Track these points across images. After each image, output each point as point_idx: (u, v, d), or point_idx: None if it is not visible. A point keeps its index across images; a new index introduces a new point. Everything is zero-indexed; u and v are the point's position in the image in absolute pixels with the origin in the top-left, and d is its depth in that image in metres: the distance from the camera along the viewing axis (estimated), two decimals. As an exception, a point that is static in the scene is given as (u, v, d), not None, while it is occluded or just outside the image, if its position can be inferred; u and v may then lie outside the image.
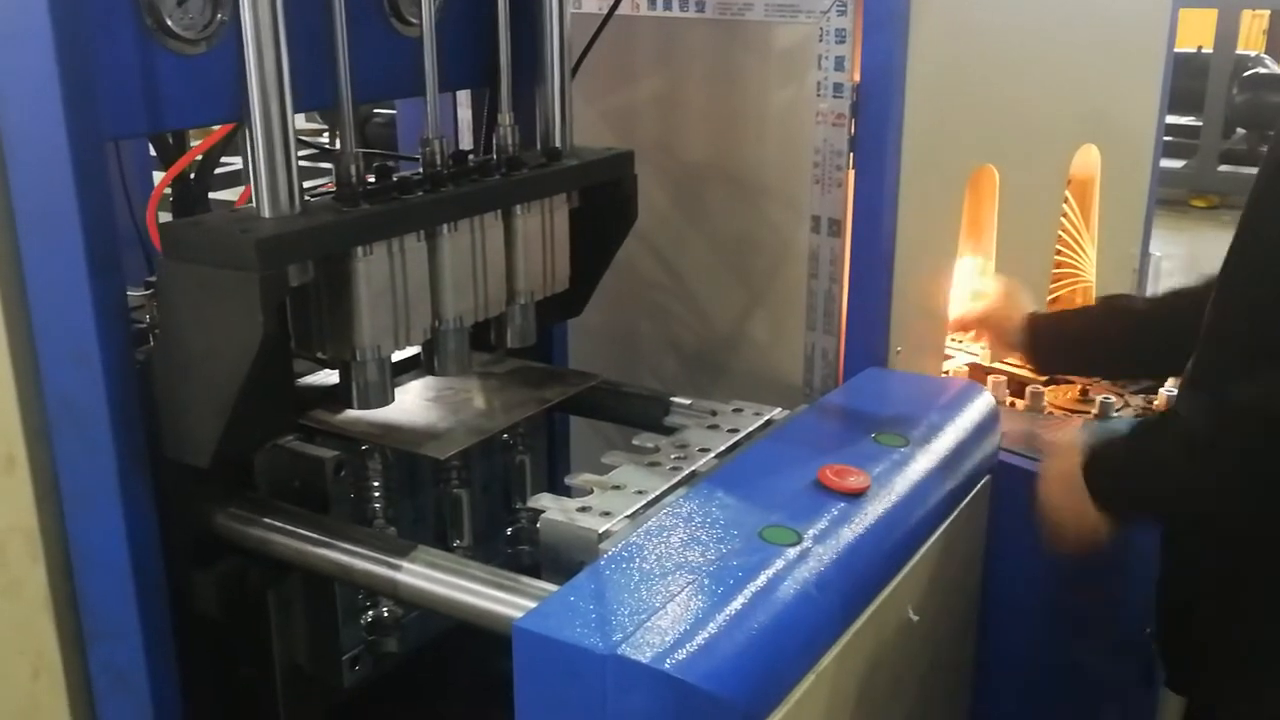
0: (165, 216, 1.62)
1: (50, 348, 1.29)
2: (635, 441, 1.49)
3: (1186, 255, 5.63)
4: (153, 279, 1.78)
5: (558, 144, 1.63)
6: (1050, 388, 2.10)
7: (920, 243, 1.87)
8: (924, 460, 1.45)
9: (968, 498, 1.53)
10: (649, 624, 1.09)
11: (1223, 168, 7.29)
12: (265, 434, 1.44)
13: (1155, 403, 2.03)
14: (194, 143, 1.67)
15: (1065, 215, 2.31)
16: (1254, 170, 1.41)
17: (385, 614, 1.53)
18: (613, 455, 1.46)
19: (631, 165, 1.67)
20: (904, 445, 1.46)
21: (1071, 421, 1.98)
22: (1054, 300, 2.30)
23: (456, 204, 1.42)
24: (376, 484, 1.53)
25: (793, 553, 1.22)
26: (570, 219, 1.61)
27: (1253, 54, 7.75)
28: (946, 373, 2.07)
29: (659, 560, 1.20)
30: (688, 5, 1.94)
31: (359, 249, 1.31)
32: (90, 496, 1.32)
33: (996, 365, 2.18)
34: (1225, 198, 7.31)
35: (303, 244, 1.26)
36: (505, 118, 1.54)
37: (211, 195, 1.69)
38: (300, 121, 1.33)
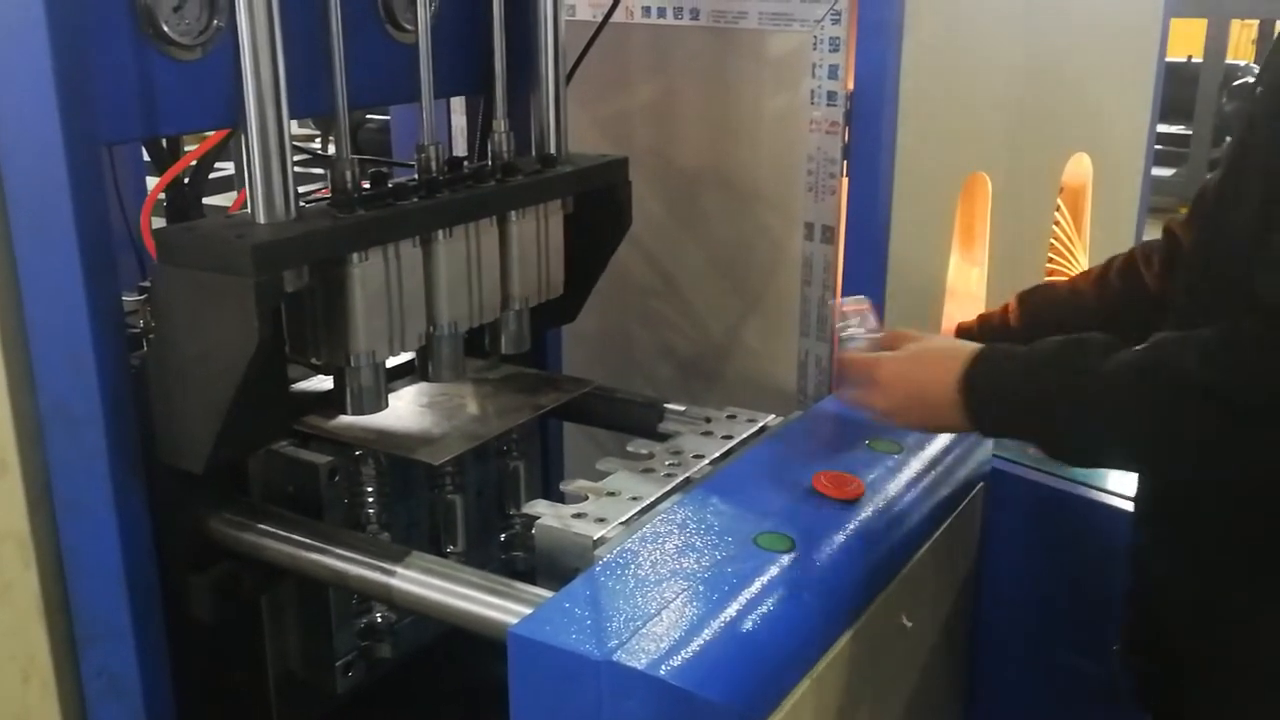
0: (158, 221, 1.62)
1: (44, 352, 1.29)
2: (630, 448, 1.49)
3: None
4: (146, 284, 1.78)
5: (552, 150, 1.63)
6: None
7: (913, 250, 1.87)
8: (917, 467, 1.46)
9: (961, 504, 1.53)
10: (644, 630, 1.09)
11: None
12: (260, 439, 1.43)
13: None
14: (188, 148, 1.68)
15: (1057, 223, 2.32)
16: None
17: (379, 619, 1.53)
18: (607, 462, 1.46)
19: (626, 172, 1.67)
20: (898, 452, 1.46)
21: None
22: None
23: (452, 210, 1.42)
24: (370, 489, 1.53)
25: (787, 559, 1.22)
26: (565, 225, 1.61)
27: (1242, 63, 7.80)
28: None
29: (654, 567, 1.20)
30: (682, 13, 1.94)
31: (354, 255, 1.32)
32: (83, 501, 1.32)
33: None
34: (1215, 206, 7.32)
35: (298, 250, 1.26)
36: (500, 124, 1.55)
37: (204, 200, 1.70)
38: (293, 127, 1.33)
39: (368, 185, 1.39)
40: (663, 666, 1.04)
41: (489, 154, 1.55)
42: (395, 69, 1.54)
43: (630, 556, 1.22)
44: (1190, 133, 7.43)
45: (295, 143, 1.36)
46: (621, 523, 1.30)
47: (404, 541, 1.56)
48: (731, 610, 1.13)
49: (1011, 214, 2.12)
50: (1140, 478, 1.43)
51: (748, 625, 1.13)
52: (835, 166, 1.83)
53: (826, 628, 1.23)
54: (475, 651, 1.44)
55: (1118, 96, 2.42)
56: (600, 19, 1.82)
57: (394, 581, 1.30)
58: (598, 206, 1.66)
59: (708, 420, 1.60)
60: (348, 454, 1.50)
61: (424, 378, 1.53)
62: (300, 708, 1.54)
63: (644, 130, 2.05)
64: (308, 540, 1.38)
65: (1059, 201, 2.31)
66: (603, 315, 1.97)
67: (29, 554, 1.36)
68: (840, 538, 1.28)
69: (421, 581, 1.29)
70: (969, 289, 2.17)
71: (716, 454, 1.48)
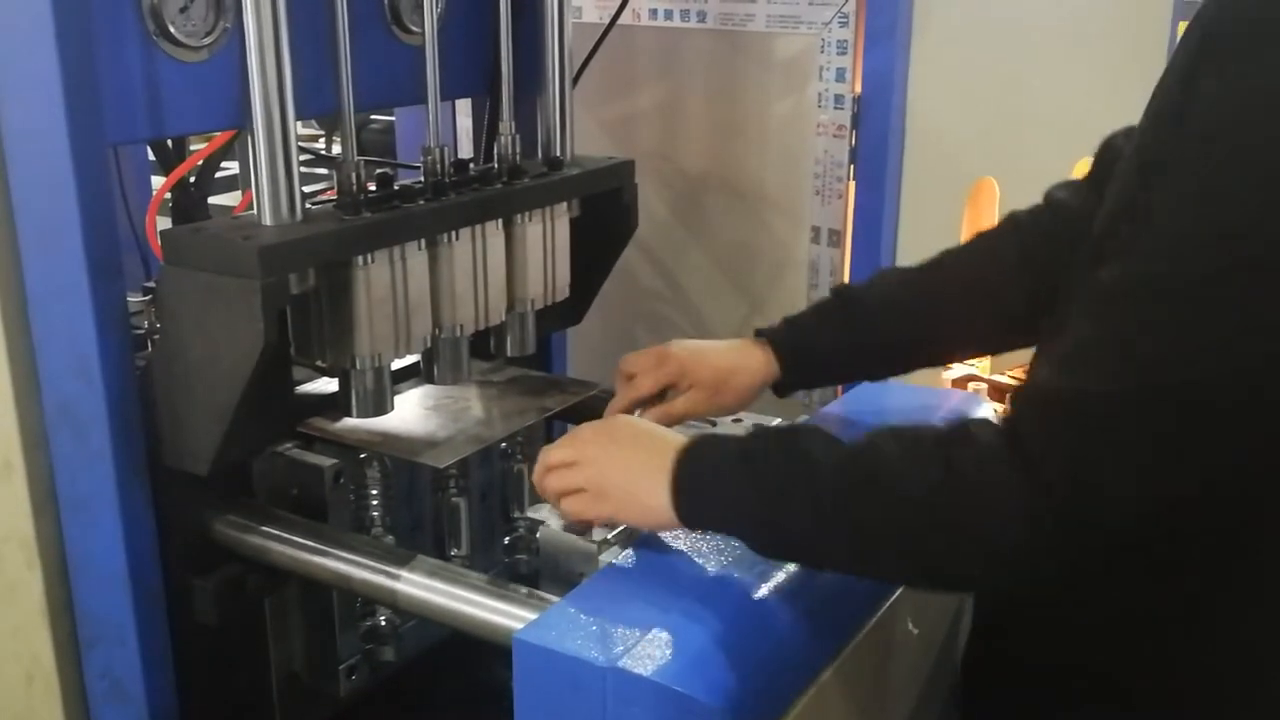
0: (163, 222, 1.62)
1: (50, 353, 1.29)
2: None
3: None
4: (151, 285, 1.78)
5: (559, 153, 1.63)
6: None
7: (919, 254, 1.87)
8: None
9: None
10: (649, 636, 1.08)
11: (1217, 180, 7.32)
12: (264, 441, 1.43)
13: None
14: (194, 148, 1.67)
15: (1064, 227, 2.32)
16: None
17: (382, 623, 1.52)
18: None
19: (632, 175, 1.67)
20: None
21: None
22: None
23: (458, 213, 1.41)
24: (375, 492, 1.53)
25: (794, 565, 1.21)
26: (570, 228, 1.61)
27: (1248, 67, 7.78)
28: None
29: (659, 572, 1.19)
30: (689, 16, 1.94)
31: (360, 257, 1.31)
32: (88, 503, 1.31)
33: (995, 378, 2.18)
34: (1220, 210, 7.32)
35: (304, 252, 1.26)
36: (506, 126, 1.55)
37: (209, 200, 1.69)
38: (298, 127, 1.33)
39: (373, 187, 1.38)
40: (668, 673, 1.04)
41: (495, 156, 1.54)
42: (401, 71, 1.53)
43: (635, 562, 1.21)
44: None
45: (300, 143, 1.37)
46: (626, 528, 1.30)
47: (408, 544, 1.56)
48: (737, 617, 1.13)
49: (1018, 218, 2.11)
50: None
51: (753, 632, 1.13)
52: (842, 170, 1.83)
53: (833, 634, 1.22)
54: (479, 655, 1.44)
55: (1125, 100, 2.41)
56: (607, 21, 1.81)
57: (399, 585, 1.30)
58: (604, 209, 1.65)
59: (713, 424, 1.59)
60: (352, 457, 1.50)
61: (429, 380, 1.53)
62: (304, 711, 1.53)
63: (650, 133, 2.05)
64: (312, 543, 1.37)
65: (1066, 206, 2.31)
66: (608, 318, 1.97)
67: (33, 555, 1.36)
68: (846, 544, 1.27)
69: (426, 585, 1.29)
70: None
71: (722, 458, 1.48)
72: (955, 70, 1.86)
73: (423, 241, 1.38)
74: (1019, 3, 1.99)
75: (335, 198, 1.38)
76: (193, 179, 1.62)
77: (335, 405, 1.46)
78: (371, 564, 1.33)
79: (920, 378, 1.90)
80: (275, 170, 1.27)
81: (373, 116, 3.83)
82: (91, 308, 1.23)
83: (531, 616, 1.16)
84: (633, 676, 1.04)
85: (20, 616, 1.39)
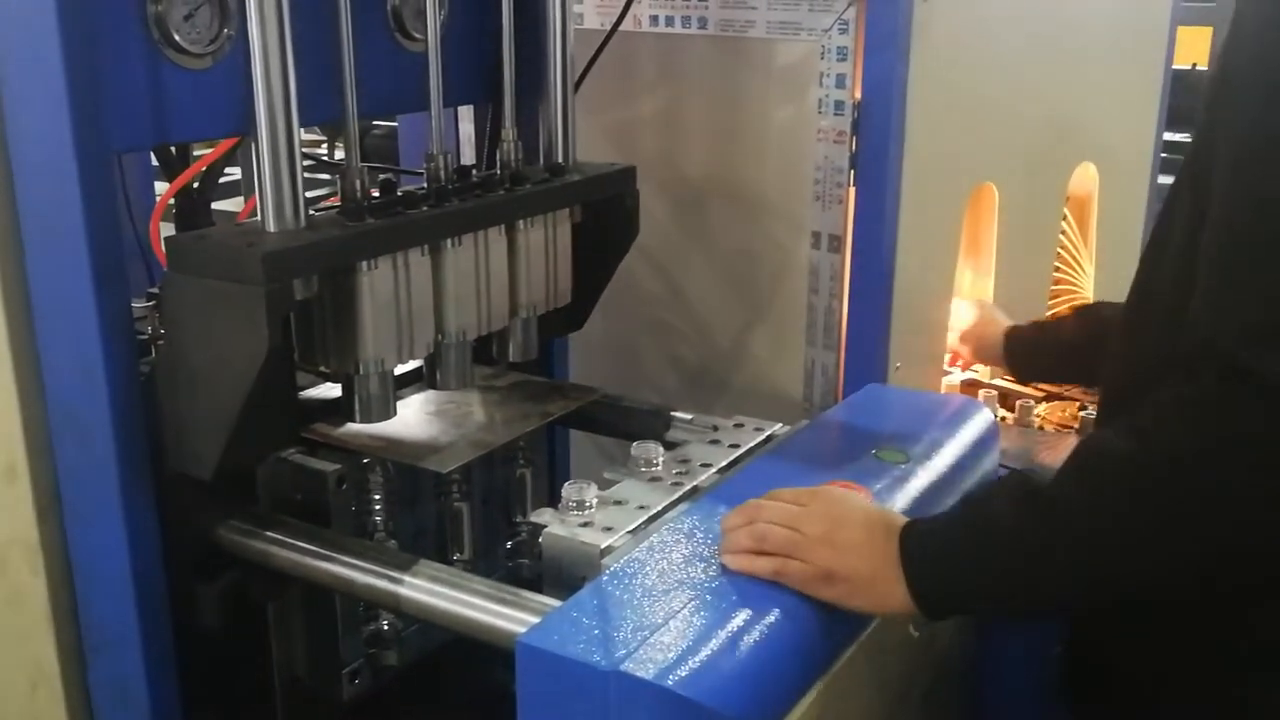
0: (167, 228, 1.62)
1: (54, 359, 1.29)
2: (634, 450, 1.48)
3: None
4: (155, 290, 1.79)
5: (561, 159, 1.64)
6: (1047, 404, 2.11)
7: (920, 259, 1.88)
8: (924, 476, 1.46)
9: (967, 514, 1.53)
10: (652, 640, 1.09)
11: (1217, 184, 7.32)
12: (268, 447, 1.44)
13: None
14: (197, 154, 1.68)
15: (1064, 233, 2.32)
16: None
17: (385, 627, 1.53)
18: (614, 471, 1.46)
19: (634, 181, 1.68)
20: (904, 461, 1.46)
21: (1068, 439, 1.98)
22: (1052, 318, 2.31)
23: (461, 219, 1.42)
24: (378, 497, 1.53)
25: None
26: (572, 233, 1.61)
27: (1247, 72, 7.78)
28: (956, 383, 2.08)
29: (662, 576, 1.20)
30: (689, 22, 1.95)
31: (363, 263, 1.32)
32: (92, 509, 1.32)
33: (995, 382, 2.19)
34: (1219, 214, 7.31)
35: (308, 258, 1.26)
36: (508, 133, 1.55)
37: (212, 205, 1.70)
38: (301, 134, 1.33)
39: (376, 193, 1.39)
40: (670, 677, 1.04)
41: (497, 163, 1.55)
42: (404, 78, 1.54)
43: (638, 566, 1.22)
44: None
45: (302, 149, 1.37)
46: (629, 531, 1.30)
47: (410, 549, 1.56)
48: (739, 620, 1.13)
49: (1018, 224, 2.12)
50: None
51: (756, 635, 1.13)
52: (842, 176, 1.83)
53: (834, 638, 1.22)
54: (481, 659, 1.44)
55: (1125, 106, 2.42)
56: (608, 28, 1.82)
57: (402, 590, 1.30)
58: (605, 215, 1.66)
59: (715, 429, 1.60)
60: (355, 462, 1.50)
61: (431, 385, 1.54)
62: (307, 715, 1.54)
63: (651, 139, 2.06)
64: (315, 548, 1.38)
65: (1066, 211, 2.31)
66: (610, 323, 1.98)
67: (37, 561, 1.36)
68: (848, 548, 1.28)
69: (429, 590, 1.29)
70: (976, 299, 2.17)
71: (724, 463, 1.48)
72: (955, 76, 1.86)
73: (426, 247, 1.39)
74: (1019, 9, 2.00)
75: (339, 204, 1.39)
76: (196, 184, 1.62)
77: (339, 410, 1.47)
78: (375, 569, 1.33)
79: (920, 383, 1.91)
80: (279, 177, 1.27)
81: (375, 122, 3.83)
82: (96, 314, 1.23)
83: (534, 620, 1.16)
84: (636, 680, 1.04)
85: (25, 622, 1.39)
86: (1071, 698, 1.39)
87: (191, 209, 1.61)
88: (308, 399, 1.54)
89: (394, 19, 1.55)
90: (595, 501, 1.34)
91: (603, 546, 1.27)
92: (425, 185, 1.44)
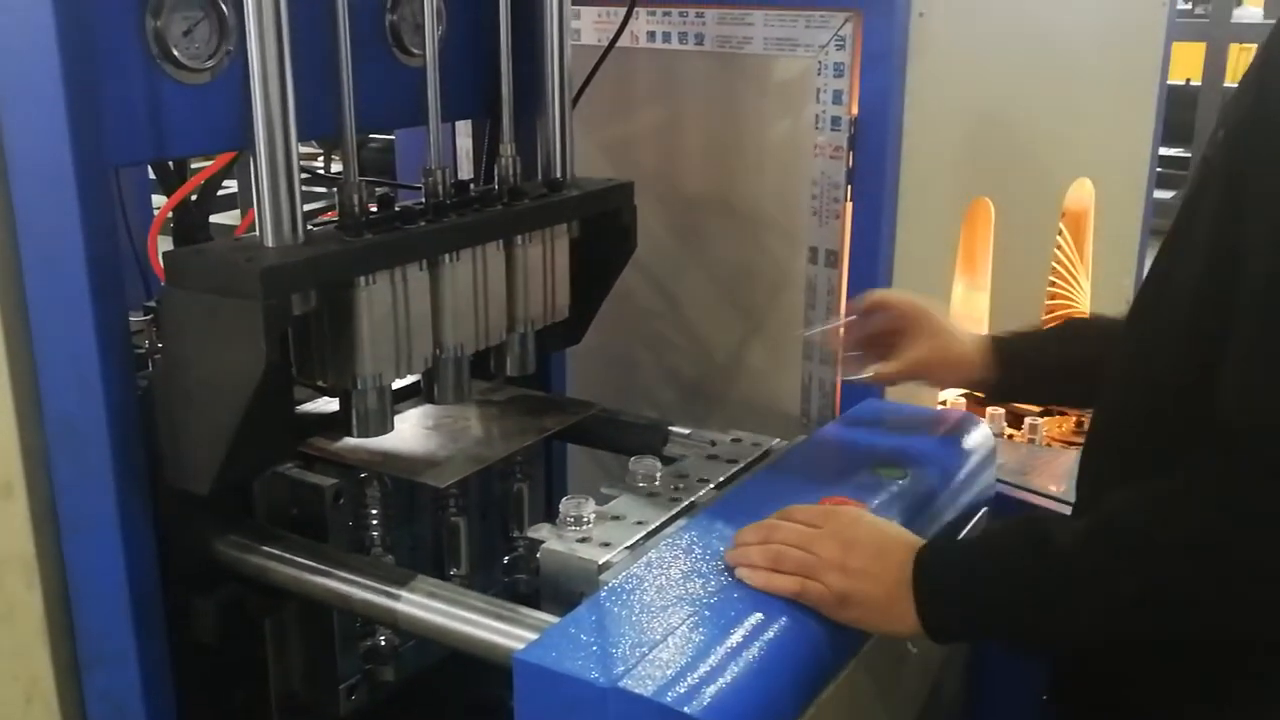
0: (164, 241, 1.62)
1: (51, 373, 1.29)
2: (631, 464, 1.48)
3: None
4: (152, 304, 1.78)
5: (559, 175, 1.64)
6: (1045, 419, 2.11)
7: (916, 274, 1.88)
8: (922, 492, 1.46)
9: (965, 530, 1.53)
10: (650, 656, 1.09)
11: (1211, 199, 7.34)
12: (266, 461, 1.43)
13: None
14: (195, 167, 1.68)
15: (1059, 247, 2.33)
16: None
17: (382, 642, 1.52)
18: (612, 486, 1.46)
19: (631, 196, 1.68)
20: (902, 477, 1.46)
21: (1067, 454, 1.99)
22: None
23: (459, 234, 1.42)
24: (375, 512, 1.53)
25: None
26: (570, 248, 1.61)
27: (1241, 87, 7.81)
28: (943, 403, 2.08)
29: (660, 592, 1.20)
30: (687, 38, 1.95)
31: (361, 278, 1.32)
32: (89, 523, 1.31)
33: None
34: (1214, 229, 7.33)
35: (306, 273, 1.26)
36: (506, 148, 1.55)
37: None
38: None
39: (373, 208, 1.39)
40: (669, 693, 1.04)
41: (495, 178, 1.55)
42: (402, 92, 1.54)
43: (636, 582, 1.22)
44: (1189, 155, 7.45)
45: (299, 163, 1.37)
46: (627, 547, 1.30)
47: (407, 564, 1.56)
48: (737, 637, 1.13)
49: (1014, 239, 2.13)
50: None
51: (754, 652, 1.13)
52: (839, 191, 1.84)
53: (832, 654, 1.22)
54: (478, 675, 1.44)
55: (1120, 121, 2.43)
56: (606, 44, 1.82)
57: (399, 605, 1.30)
58: (603, 230, 1.66)
59: (712, 444, 1.60)
60: (352, 476, 1.50)
61: (429, 400, 1.53)
62: (303, 731, 1.53)
63: (648, 155, 2.06)
64: (312, 563, 1.37)
65: (1061, 226, 2.32)
66: (607, 338, 1.97)
67: (33, 575, 1.36)
68: (846, 563, 1.28)
69: (426, 605, 1.29)
70: (971, 314, 2.18)
71: (721, 478, 1.48)
72: (951, 92, 1.87)
73: (424, 262, 1.39)
74: (1015, 26, 2.01)
75: (336, 218, 1.39)
76: (194, 198, 1.63)
77: (336, 425, 1.46)
78: (371, 584, 1.33)
79: (917, 398, 1.91)
80: (277, 192, 1.27)
81: (371, 135, 3.84)
82: (93, 327, 1.23)
83: (532, 636, 1.16)
84: (633, 697, 1.04)
85: (20, 637, 1.39)
86: (1066, 701, 1.39)
87: (189, 223, 1.62)
88: (305, 413, 1.54)
89: (392, 34, 1.55)
90: (593, 517, 1.34)
91: (601, 562, 1.27)
92: (423, 200, 1.44)
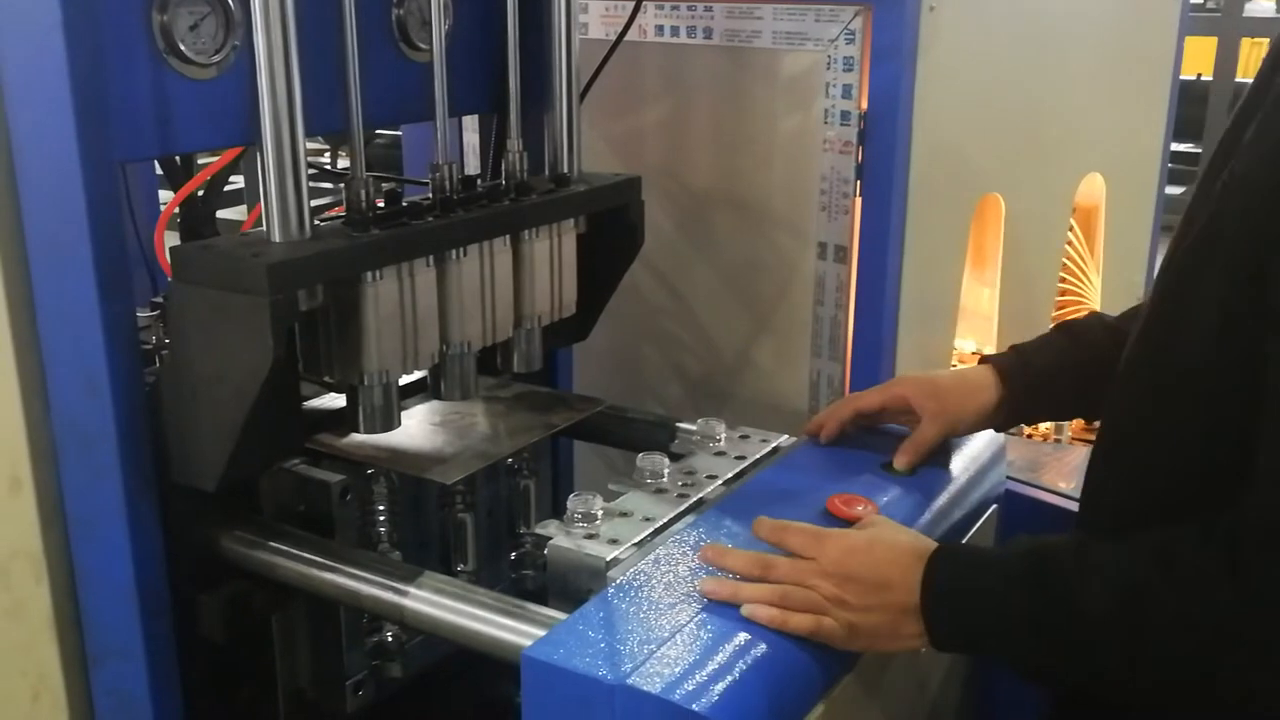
0: (170, 237, 1.62)
1: (58, 369, 1.29)
2: (639, 461, 1.47)
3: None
4: (159, 300, 1.78)
5: (566, 170, 1.63)
6: (1054, 415, 2.10)
7: (926, 270, 1.87)
8: (931, 489, 1.45)
9: (975, 527, 1.53)
10: (658, 654, 1.08)
11: (1222, 194, 7.32)
12: (273, 457, 1.43)
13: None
14: (202, 162, 1.68)
15: (1070, 243, 2.32)
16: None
17: (389, 639, 1.52)
18: (620, 482, 1.46)
19: (639, 191, 1.67)
20: (910, 474, 1.46)
21: (1077, 450, 1.98)
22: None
23: (466, 229, 1.41)
24: (382, 508, 1.53)
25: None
26: (577, 244, 1.61)
27: (1252, 82, 7.78)
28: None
29: (667, 589, 1.19)
30: (695, 32, 1.95)
31: (368, 274, 1.31)
32: (96, 519, 1.31)
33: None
34: (1224, 224, 7.31)
35: (313, 269, 1.26)
36: (514, 143, 1.55)
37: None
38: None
39: (380, 203, 1.39)
40: (677, 691, 1.04)
41: (502, 173, 1.55)
42: (409, 88, 1.54)
43: (643, 579, 1.21)
44: (1200, 151, 7.42)
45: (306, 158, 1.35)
46: (634, 544, 1.30)
47: (414, 560, 1.55)
48: (745, 634, 1.13)
49: (1025, 235, 2.12)
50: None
51: (761, 650, 1.12)
52: (848, 186, 1.83)
53: (841, 652, 1.22)
54: (486, 671, 1.44)
55: (1132, 116, 2.41)
56: (614, 38, 1.82)
57: (406, 602, 1.30)
58: (610, 225, 1.65)
59: (720, 440, 1.59)
60: (359, 472, 1.50)
61: (436, 396, 1.53)
62: (310, 727, 1.53)
63: (656, 149, 2.06)
64: (320, 559, 1.37)
65: (1072, 222, 2.31)
66: (614, 334, 1.97)
67: (41, 571, 1.36)
68: (854, 561, 1.27)
69: (434, 602, 1.28)
70: (981, 310, 2.17)
71: (729, 474, 1.48)
72: (961, 87, 1.86)
73: (431, 258, 1.38)
74: (1025, 20, 1.99)
75: (343, 214, 1.38)
76: (200, 193, 1.62)
77: (343, 421, 1.46)
78: (379, 580, 1.33)
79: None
80: (284, 187, 1.27)
81: (378, 131, 3.84)
82: (100, 323, 1.23)
83: (539, 633, 1.16)
84: (641, 694, 1.04)
85: (28, 632, 1.39)
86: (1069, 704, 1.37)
87: (196, 218, 1.61)
88: (312, 409, 1.54)
89: (399, 29, 1.54)
90: (600, 513, 1.34)
91: (608, 559, 1.26)
92: (430, 195, 1.43)
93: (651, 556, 1.25)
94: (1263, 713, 1.10)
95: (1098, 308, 2.36)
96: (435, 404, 1.65)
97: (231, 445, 1.26)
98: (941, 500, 1.45)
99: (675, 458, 1.53)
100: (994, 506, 1.60)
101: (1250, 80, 1.20)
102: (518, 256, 1.51)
